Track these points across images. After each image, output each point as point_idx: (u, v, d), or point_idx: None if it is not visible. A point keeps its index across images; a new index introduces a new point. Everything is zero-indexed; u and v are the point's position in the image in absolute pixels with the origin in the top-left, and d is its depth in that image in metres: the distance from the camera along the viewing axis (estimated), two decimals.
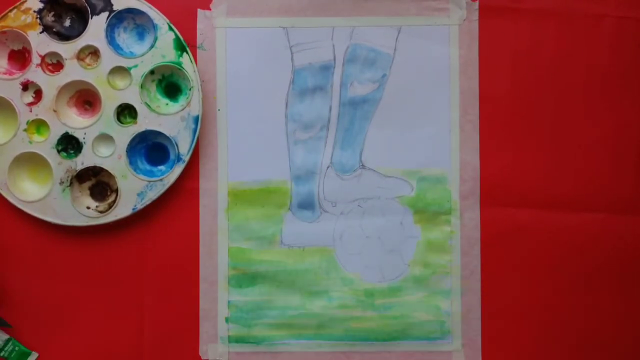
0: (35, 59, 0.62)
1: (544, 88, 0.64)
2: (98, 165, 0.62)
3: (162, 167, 0.64)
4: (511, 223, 0.64)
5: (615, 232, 0.64)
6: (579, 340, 0.64)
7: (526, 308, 0.64)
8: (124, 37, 0.64)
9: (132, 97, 0.62)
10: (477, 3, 0.64)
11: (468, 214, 0.64)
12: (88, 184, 0.64)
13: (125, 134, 0.62)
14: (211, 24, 0.64)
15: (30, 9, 0.62)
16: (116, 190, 0.63)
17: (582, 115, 0.64)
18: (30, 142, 0.62)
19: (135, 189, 0.63)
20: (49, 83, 0.62)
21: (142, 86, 0.62)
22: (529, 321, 0.64)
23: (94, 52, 0.63)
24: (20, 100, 0.62)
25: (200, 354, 0.64)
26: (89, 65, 0.63)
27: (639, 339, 0.64)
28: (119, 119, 0.63)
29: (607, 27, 0.64)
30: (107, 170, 0.63)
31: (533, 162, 0.64)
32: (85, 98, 0.64)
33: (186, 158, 0.63)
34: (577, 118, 0.64)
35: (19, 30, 0.62)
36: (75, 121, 0.64)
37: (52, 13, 0.63)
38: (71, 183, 0.62)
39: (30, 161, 0.63)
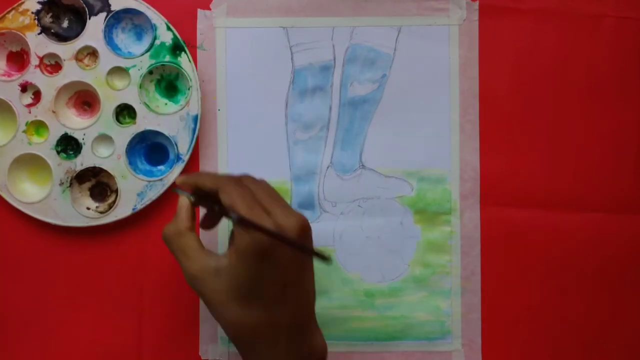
0: (34, 60, 0.62)
1: (544, 88, 0.64)
2: (98, 165, 0.62)
3: (161, 167, 0.64)
4: (511, 223, 0.64)
5: (615, 231, 0.64)
6: (579, 340, 0.64)
7: (526, 308, 0.64)
8: (122, 38, 0.64)
9: (131, 97, 0.62)
10: (477, 3, 0.64)
11: (468, 214, 0.64)
12: (88, 184, 0.64)
13: (124, 134, 0.62)
14: (211, 24, 0.64)
15: (28, 10, 0.62)
16: (116, 191, 0.63)
17: (582, 115, 0.64)
18: (30, 144, 0.62)
19: (135, 189, 0.62)
20: (48, 84, 0.62)
21: (140, 86, 0.62)
22: (529, 321, 0.64)
23: (92, 53, 0.63)
24: (19, 101, 0.62)
25: (200, 354, 0.64)
26: (87, 66, 0.63)
27: (639, 339, 0.64)
28: (118, 120, 0.63)
29: (607, 27, 0.64)
30: (106, 171, 0.62)
31: (533, 162, 0.64)
32: (84, 99, 0.64)
33: (186, 158, 0.63)
34: (577, 118, 0.65)
35: (17, 32, 0.62)
36: (75, 122, 0.63)
37: (50, 14, 0.63)
38: (71, 184, 0.62)
39: (29, 162, 0.63)
